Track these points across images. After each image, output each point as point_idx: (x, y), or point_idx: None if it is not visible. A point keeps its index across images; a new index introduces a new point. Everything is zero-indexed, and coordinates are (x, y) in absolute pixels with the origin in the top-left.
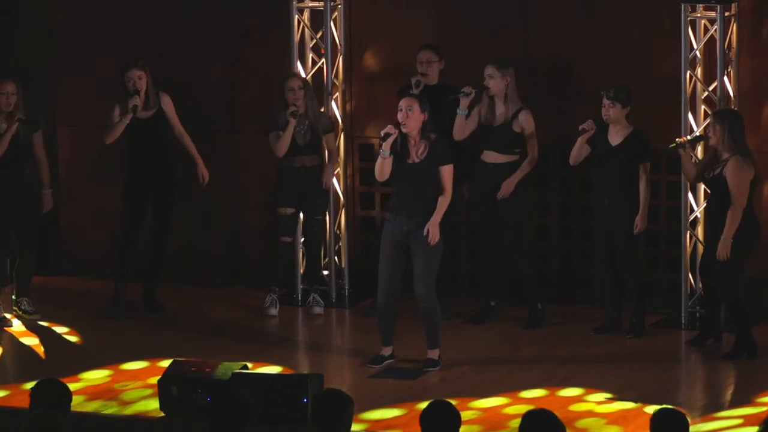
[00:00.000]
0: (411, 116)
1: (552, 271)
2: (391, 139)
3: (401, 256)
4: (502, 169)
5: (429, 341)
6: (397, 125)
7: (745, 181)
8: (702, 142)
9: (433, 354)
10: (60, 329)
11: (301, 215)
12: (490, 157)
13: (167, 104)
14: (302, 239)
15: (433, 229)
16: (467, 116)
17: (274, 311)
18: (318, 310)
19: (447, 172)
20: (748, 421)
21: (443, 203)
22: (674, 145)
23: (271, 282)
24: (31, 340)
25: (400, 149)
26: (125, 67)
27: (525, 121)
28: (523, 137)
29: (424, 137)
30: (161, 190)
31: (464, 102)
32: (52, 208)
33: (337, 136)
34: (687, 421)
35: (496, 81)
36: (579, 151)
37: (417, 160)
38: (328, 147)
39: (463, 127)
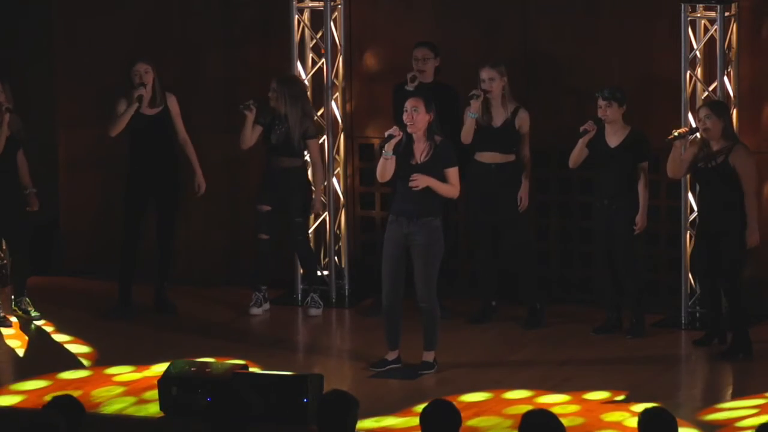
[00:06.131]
0: (416, 117)
1: (551, 271)
2: (393, 141)
3: (403, 257)
4: (504, 169)
5: (426, 343)
6: (403, 127)
7: (754, 167)
8: (697, 135)
9: (429, 356)
10: (60, 329)
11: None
12: (491, 157)
13: (173, 105)
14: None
15: (421, 179)
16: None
17: (257, 310)
18: (314, 312)
19: (453, 174)
20: (763, 410)
21: (449, 187)
22: (674, 136)
23: (256, 281)
24: (31, 340)
25: (404, 150)
26: (132, 62)
27: (524, 119)
28: (519, 136)
29: (429, 138)
30: (163, 189)
31: (475, 104)
32: (38, 208)
33: (318, 143)
34: (674, 419)
35: (496, 83)
36: (579, 153)
37: (420, 161)
38: (311, 156)
39: (471, 130)
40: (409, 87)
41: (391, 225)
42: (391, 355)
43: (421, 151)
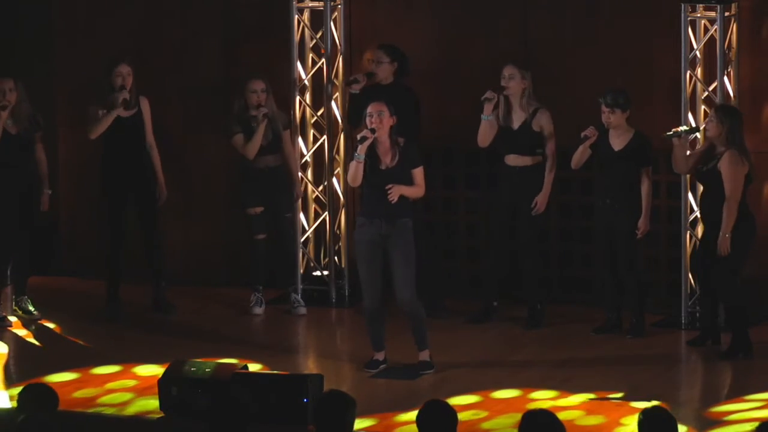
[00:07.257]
0: (382, 121)
1: (552, 271)
2: (366, 143)
3: (380, 259)
4: (526, 171)
5: (418, 343)
6: (372, 130)
7: (740, 175)
8: (696, 134)
9: (425, 356)
10: (60, 329)
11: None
12: (514, 160)
13: (146, 108)
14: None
15: (395, 190)
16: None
17: (258, 310)
18: (303, 310)
19: (419, 173)
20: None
21: (416, 189)
22: (670, 133)
23: (254, 281)
24: (32, 340)
25: (369, 155)
26: (114, 63)
27: (543, 120)
28: (542, 137)
29: (393, 142)
30: (141, 190)
31: (488, 107)
32: (48, 209)
33: (292, 134)
34: (674, 419)
35: (516, 82)
36: (581, 156)
37: (390, 165)
38: (286, 147)
39: (487, 133)
40: (353, 90)
41: (365, 228)
42: (379, 356)
43: (386, 155)
